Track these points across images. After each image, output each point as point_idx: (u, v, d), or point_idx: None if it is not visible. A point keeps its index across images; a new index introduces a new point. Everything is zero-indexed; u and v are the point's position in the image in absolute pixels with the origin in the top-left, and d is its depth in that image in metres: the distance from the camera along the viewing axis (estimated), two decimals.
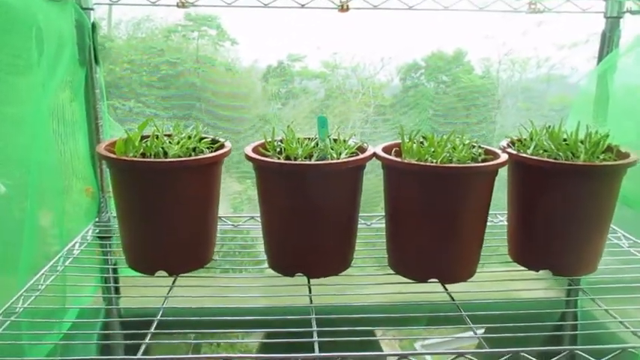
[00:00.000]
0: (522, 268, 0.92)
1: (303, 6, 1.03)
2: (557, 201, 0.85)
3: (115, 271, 1.06)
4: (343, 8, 1.03)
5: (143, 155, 0.84)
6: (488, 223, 0.93)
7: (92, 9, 1.01)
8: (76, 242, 0.99)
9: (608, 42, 1.05)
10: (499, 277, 0.93)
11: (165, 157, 0.84)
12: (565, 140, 0.90)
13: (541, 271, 0.91)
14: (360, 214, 0.91)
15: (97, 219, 1.09)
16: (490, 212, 0.87)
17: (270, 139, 0.89)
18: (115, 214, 0.88)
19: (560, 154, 0.86)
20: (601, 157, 0.86)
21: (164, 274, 0.87)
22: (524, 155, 0.87)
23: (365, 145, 0.90)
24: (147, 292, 0.89)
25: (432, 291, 0.85)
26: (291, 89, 3.96)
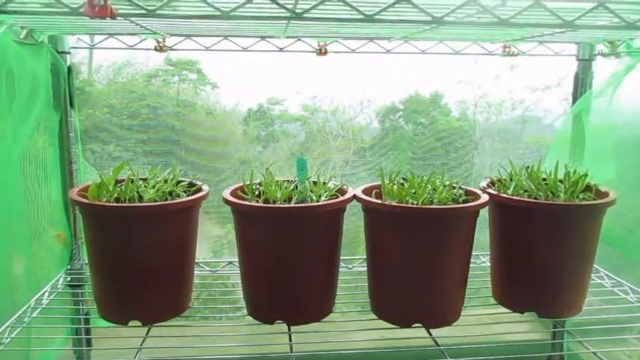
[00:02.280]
0: (507, 310, 0.90)
1: (282, 49, 1.03)
2: (539, 241, 0.84)
3: (86, 321, 1.02)
4: (322, 52, 1.04)
5: (117, 200, 0.82)
6: (471, 265, 0.91)
7: (69, 52, 1.00)
8: (45, 291, 0.94)
9: (582, 83, 1.08)
10: (484, 320, 0.91)
11: (141, 202, 0.82)
12: (544, 180, 0.90)
13: (526, 313, 0.89)
14: (341, 258, 0.90)
15: (68, 266, 1.05)
16: (472, 253, 0.86)
17: (248, 182, 0.87)
18: (87, 262, 0.85)
19: (540, 193, 0.86)
20: (581, 196, 0.86)
21: (138, 323, 0.83)
22: (504, 195, 0.86)
23: (345, 187, 0.89)
24: (120, 343, 0.85)
25: (416, 336, 0.83)
26: (272, 132, 3.98)
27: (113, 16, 0.55)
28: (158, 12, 0.57)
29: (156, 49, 0.99)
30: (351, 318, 0.91)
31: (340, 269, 0.90)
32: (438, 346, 0.82)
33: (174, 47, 1.00)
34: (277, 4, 0.58)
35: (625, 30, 0.61)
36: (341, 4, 0.58)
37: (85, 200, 0.79)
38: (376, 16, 0.59)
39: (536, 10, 0.60)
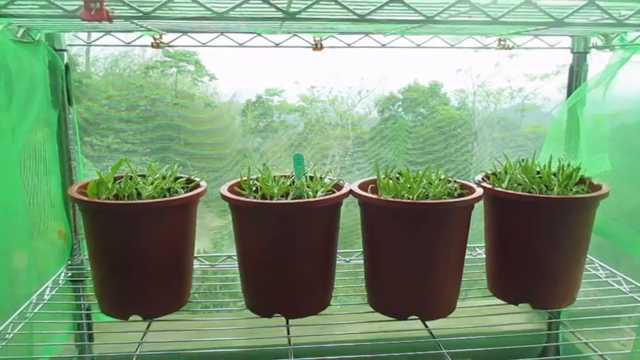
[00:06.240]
0: (502, 301, 0.92)
1: (277, 45, 1.04)
2: (532, 234, 0.85)
3: (88, 316, 1.03)
4: (317, 47, 1.04)
5: (116, 197, 0.83)
6: (467, 257, 0.92)
7: (65, 50, 1.00)
8: (47, 286, 0.96)
9: (577, 76, 1.08)
10: (479, 312, 0.92)
11: (139, 199, 0.83)
12: (538, 173, 0.91)
13: (521, 304, 0.91)
14: (338, 250, 0.91)
15: (69, 261, 1.06)
16: (468, 245, 0.87)
17: (245, 178, 0.88)
18: (88, 257, 0.86)
19: (534, 187, 0.87)
20: (574, 189, 0.87)
21: (139, 318, 0.84)
22: (499, 189, 0.87)
23: (341, 182, 0.90)
24: (122, 337, 0.86)
25: (412, 328, 0.84)
26: (270, 123, 3.98)
27: (109, 19, 0.56)
28: (153, 14, 0.58)
29: (152, 46, 1.00)
30: (348, 311, 0.92)
31: (338, 262, 0.91)
32: (434, 337, 0.83)
33: (170, 44, 1.01)
34: (270, 4, 0.58)
35: (615, 27, 0.61)
36: (333, 3, 0.58)
37: (85, 198, 0.80)
38: (368, 16, 0.59)
39: (527, 7, 0.60)
